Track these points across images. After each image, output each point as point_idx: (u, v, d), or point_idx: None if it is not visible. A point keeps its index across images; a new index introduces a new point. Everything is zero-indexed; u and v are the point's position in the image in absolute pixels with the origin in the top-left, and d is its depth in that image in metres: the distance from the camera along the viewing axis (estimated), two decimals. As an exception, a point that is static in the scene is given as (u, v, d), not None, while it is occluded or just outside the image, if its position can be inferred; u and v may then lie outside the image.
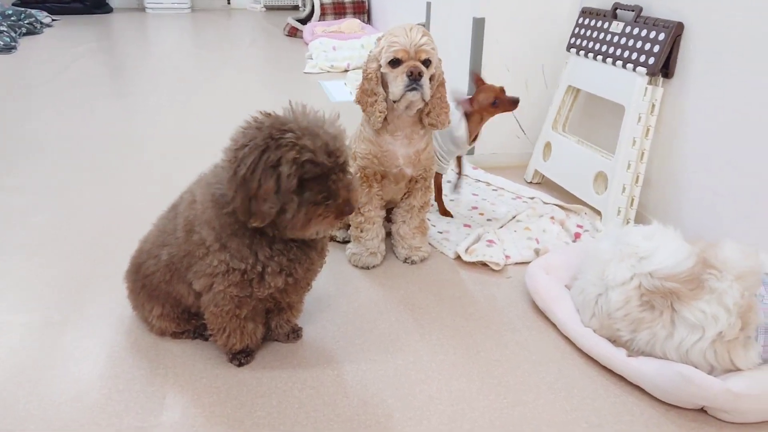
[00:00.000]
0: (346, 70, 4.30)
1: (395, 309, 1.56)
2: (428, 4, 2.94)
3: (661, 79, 1.85)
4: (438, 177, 2.05)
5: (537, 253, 1.81)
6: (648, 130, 1.87)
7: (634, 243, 1.37)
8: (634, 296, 1.30)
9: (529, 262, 1.77)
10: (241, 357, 1.30)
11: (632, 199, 1.91)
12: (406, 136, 1.65)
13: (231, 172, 1.08)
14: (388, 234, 1.85)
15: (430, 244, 1.88)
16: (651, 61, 1.82)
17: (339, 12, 5.66)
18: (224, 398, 1.23)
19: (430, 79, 1.58)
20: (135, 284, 1.37)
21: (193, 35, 5.96)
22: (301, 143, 1.07)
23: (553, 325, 1.49)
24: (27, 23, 5.50)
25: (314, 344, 1.41)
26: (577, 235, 1.92)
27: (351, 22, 5.34)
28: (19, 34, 5.20)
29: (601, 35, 2.06)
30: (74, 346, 1.37)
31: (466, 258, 1.78)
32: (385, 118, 1.63)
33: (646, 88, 1.84)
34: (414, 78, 1.52)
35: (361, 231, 1.74)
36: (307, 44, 5.03)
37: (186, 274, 1.23)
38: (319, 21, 5.60)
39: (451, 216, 2.07)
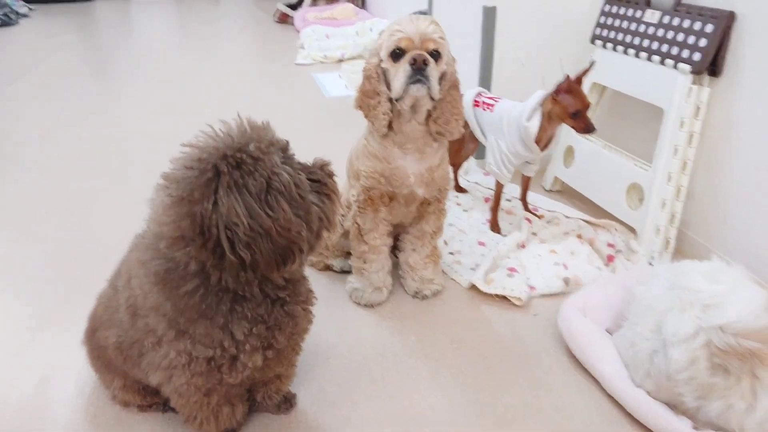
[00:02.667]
0: (341, 60, 4.03)
1: (406, 361, 1.31)
2: (430, -10, 2.67)
3: (707, 78, 1.60)
4: (499, 186, 1.83)
5: (567, 283, 1.56)
6: (692, 136, 1.62)
7: (695, 287, 1.13)
8: (702, 356, 1.06)
9: (558, 294, 1.55)
10: (221, 441, 1.07)
11: (673, 216, 1.66)
12: (418, 149, 1.40)
13: (197, 231, 0.81)
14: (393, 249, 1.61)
15: (441, 271, 1.63)
16: (696, 57, 1.56)
17: (332, -4, 5.35)
18: (200, 498, 0.99)
19: (441, 78, 1.33)
20: (93, 350, 1.13)
21: (179, 24, 5.66)
22: (281, 144, 0.88)
23: (595, 381, 1.25)
24: (1, 14, 5.19)
25: (311, 414, 1.17)
26: (610, 258, 1.68)
27: (345, 8, 5.05)
28: (-8, 27, 4.91)
29: (633, 26, 1.80)
30: (17, 427, 1.13)
31: (484, 289, 1.54)
32: (392, 127, 1.38)
33: (690, 89, 1.59)
34: (418, 67, 1.27)
35: (365, 262, 1.49)
36: (298, 32, 4.74)
37: (139, 362, 0.98)
38: (310, 6, 5.31)
39: (500, 232, 1.84)
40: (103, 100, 3.21)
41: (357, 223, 1.47)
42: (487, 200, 2.02)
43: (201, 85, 3.47)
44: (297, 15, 5.16)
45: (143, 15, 6.04)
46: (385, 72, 1.35)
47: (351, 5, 5.14)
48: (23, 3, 5.79)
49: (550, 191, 2.13)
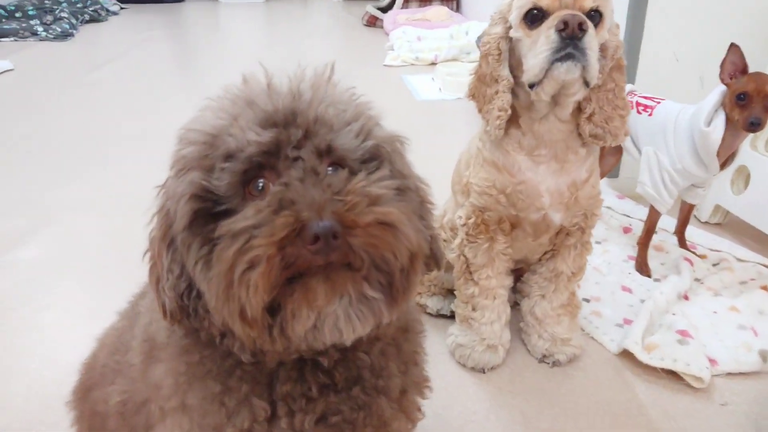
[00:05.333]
0: (434, 63, 3.64)
1: (538, 467, 0.89)
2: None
3: None
4: (654, 215, 1.38)
5: (765, 358, 1.09)
6: None
7: None
8: None
9: (753, 374, 1.08)
10: None
11: None
12: (556, 156, 0.98)
13: None
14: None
15: (579, 327, 1.19)
16: None
17: (424, -1, 5.01)
18: None
19: (601, 50, 0.91)
20: (83, 418, 0.77)
21: (265, 26, 5.50)
22: (202, 129, 0.53)
23: None
24: (91, 10, 5.16)
25: None
26: (819, 324, 1.19)
27: (438, 10, 4.69)
28: (80, 21, 4.86)
29: None
30: None
31: (644, 359, 1.08)
32: (518, 124, 0.97)
33: None
34: (570, 34, 0.84)
35: (474, 309, 1.08)
36: (387, 34, 4.42)
37: (146, 435, 0.62)
38: (401, 9, 4.98)
39: (650, 276, 1.38)
40: (183, 94, 2.97)
41: (464, 255, 1.06)
42: (626, 230, 1.57)
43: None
44: (387, 17, 4.85)
45: (231, 15, 5.93)
46: (514, 45, 0.94)
47: (445, 8, 4.77)
48: (115, 1, 5.78)
49: (706, 223, 1.64)
